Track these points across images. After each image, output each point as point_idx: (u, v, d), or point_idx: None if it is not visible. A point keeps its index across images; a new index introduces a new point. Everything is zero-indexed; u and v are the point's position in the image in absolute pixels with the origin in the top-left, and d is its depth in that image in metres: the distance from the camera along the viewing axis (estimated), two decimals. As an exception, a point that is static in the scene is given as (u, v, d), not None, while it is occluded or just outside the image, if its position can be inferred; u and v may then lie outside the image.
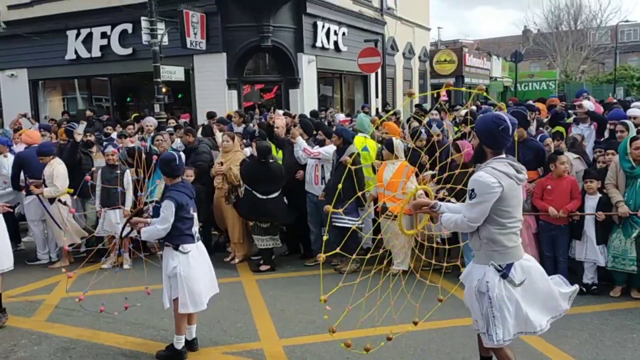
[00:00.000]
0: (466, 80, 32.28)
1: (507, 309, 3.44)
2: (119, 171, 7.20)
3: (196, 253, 4.63)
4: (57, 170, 7.23)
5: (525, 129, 6.48)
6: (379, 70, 18.62)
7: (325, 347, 4.83)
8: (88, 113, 12.95)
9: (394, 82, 24.07)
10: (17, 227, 8.19)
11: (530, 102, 13.74)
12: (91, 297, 6.17)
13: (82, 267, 6.92)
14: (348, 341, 3.94)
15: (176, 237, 4.53)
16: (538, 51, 48.31)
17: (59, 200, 7.27)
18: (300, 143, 7.33)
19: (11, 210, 5.96)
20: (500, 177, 3.36)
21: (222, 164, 7.43)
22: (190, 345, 4.81)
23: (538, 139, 7.23)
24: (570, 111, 10.79)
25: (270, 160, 7.08)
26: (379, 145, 7.70)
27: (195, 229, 4.72)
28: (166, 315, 5.08)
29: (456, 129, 8.85)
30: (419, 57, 27.62)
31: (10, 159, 8.00)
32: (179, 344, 4.68)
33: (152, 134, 9.23)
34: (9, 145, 8.42)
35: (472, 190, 3.40)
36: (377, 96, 19.71)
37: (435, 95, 26.56)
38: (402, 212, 4.07)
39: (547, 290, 3.62)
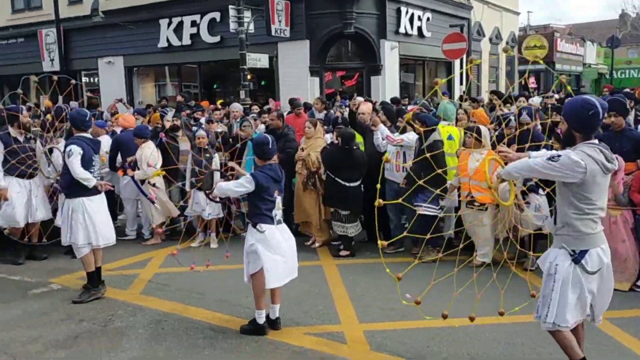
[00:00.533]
0: (557, 66, 30.77)
1: (570, 294, 3.42)
2: (208, 154, 7.50)
3: (275, 234, 4.79)
4: (145, 154, 7.64)
5: (624, 118, 6.11)
6: (464, 57, 18.10)
7: (405, 334, 4.84)
8: (179, 98, 13.53)
9: (480, 68, 23.35)
10: (115, 205, 8.71)
11: (627, 90, 12.90)
12: (181, 274, 6.55)
13: (174, 245, 7.32)
14: (445, 312, 3.98)
15: (256, 215, 4.77)
16: (637, 36, 45.19)
17: (149, 182, 7.68)
18: (383, 130, 7.29)
19: (112, 188, 6.36)
20: (587, 161, 3.31)
21: (303, 149, 7.55)
22: (273, 324, 4.97)
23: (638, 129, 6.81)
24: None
25: (354, 147, 7.12)
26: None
27: (277, 212, 4.86)
28: (251, 294, 5.26)
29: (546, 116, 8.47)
30: (507, 43, 26.58)
31: (107, 141, 8.49)
32: (260, 319, 4.87)
33: (238, 120, 9.51)
34: (105, 127, 8.91)
35: (558, 155, 3.36)
36: (461, 83, 19.20)
37: (523, 82, 25.61)
38: (496, 185, 3.99)
39: (608, 289, 3.61)
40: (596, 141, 3.44)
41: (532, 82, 28.03)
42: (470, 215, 6.41)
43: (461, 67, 18.27)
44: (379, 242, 3.67)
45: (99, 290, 5.88)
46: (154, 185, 7.69)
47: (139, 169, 7.68)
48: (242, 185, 4.71)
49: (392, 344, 4.65)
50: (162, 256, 7.31)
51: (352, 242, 7.35)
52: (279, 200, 4.89)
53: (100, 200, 5.89)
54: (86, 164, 5.71)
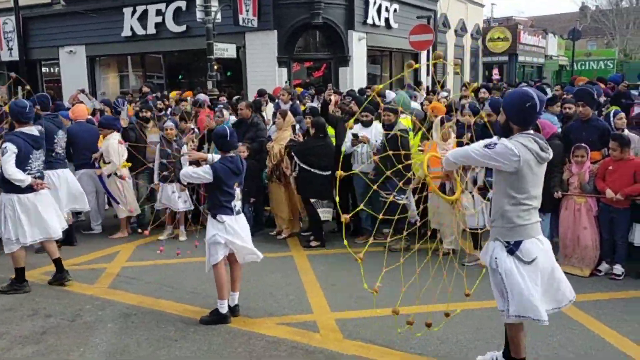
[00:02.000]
0: (520, 58, 31.36)
1: (522, 283, 3.46)
2: (176, 146, 7.40)
3: (234, 225, 4.87)
4: (112, 145, 7.47)
5: (591, 108, 6.28)
6: (430, 48, 18.27)
7: (377, 321, 4.89)
8: (144, 89, 13.26)
9: (445, 60, 23.61)
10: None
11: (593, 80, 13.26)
12: (151, 266, 6.47)
13: (141, 239, 7.24)
14: (410, 319, 3.97)
15: (215, 206, 4.84)
16: (596, 29, 46.30)
17: (115, 174, 7.54)
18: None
19: (48, 188, 6.08)
20: (520, 150, 3.36)
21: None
22: (233, 311, 5.02)
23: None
24: (633, 91, 10.37)
25: (326, 135, 7.25)
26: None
27: (236, 203, 4.94)
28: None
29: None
30: (471, 35, 26.95)
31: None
32: (223, 308, 4.92)
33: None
34: (69, 118, 8.70)
35: (495, 143, 3.41)
36: (427, 74, 19.39)
37: (487, 74, 26.04)
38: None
39: (555, 278, 3.63)
40: (531, 131, 3.50)
41: (495, 74, 28.51)
42: (439, 202, 6.51)
43: (428, 59, 18.44)
44: (342, 216, 3.61)
45: (23, 287, 5.81)
46: (121, 177, 7.57)
47: (104, 160, 7.54)
48: (201, 173, 4.78)
49: (364, 332, 4.71)
50: (129, 250, 7.20)
51: (322, 233, 7.38)
52: (237, 191, 4.94)
53: (35, 198, 5.70)
54: (22, 161, 5.55)
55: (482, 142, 3.50)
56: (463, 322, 4.84)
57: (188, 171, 4.86)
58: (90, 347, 4.52)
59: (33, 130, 5.73)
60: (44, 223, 5.77)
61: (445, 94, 10.80)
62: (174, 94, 13.49)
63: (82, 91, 13.25)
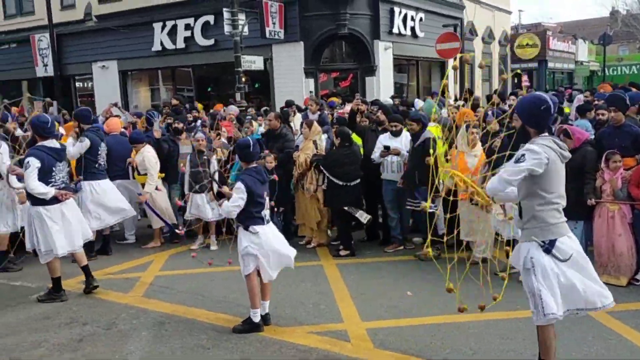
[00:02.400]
0: (550, 64, 30.94)
1: (554, 282, 3.50)
2: (205, 157, 7.52)
3: (267, 233, 4.91)
4: (147, 158, 7.64)
5: (623, 114, 6.17)
6: (458, 56, 18.20)
7: (408, 330, 4.88)
8: (174, 102, 13.51)
9: (473, 67, 23.46)
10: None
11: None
12: (183, 275, 6.57)
13: (174, 248, 7.36)
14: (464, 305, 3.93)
15: (247, 218, 4.86)
16: (627, 33, 45.42)
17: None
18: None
19: (74, 196, 6.24)
20: (546, 150, 3.47)
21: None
22: (264, 319, 5.06)
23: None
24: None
25: (352, 144, 7.30)
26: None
27: (266, 212, 4.98)
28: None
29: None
30: (499, 42, 26.73)
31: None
32: (256, 317, 4.96)
33: (234, 122, 9.55)
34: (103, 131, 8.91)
35: (523, 155, 3.48)
36: (455, 82, 19.30)
37: (516, 81, 25.73)
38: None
39: (589, 276, 3.63)
40: (547, 134, 3.59)
41: (525, 80, 28.19)
42: (470, 212, 6.47)
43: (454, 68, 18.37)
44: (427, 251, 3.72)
45: (60, 296, 5.94)
46: (157, 188, 7.73)
47: (138, 172, 7.72)
48: (240, 197, 4.76)
49: (395, 341, 4.69)
50: (162, 259, 7.32)
51: (351, 242, 7.38)
52: (267, 200, 5.00)
53: (60, 209, 5.83)
54: (46, 174, 5.69)
55: (510, 162, 3.56)
56: (495, 332, 4.79)
57: (229, 206, 4.81)
58: (125, 354, 4.61)
59: (54, 143, 5.88)
60: (71, 234, 5.92)
61: (462, 102, 10.71)
62: (200, 106, 13.71)
63: (115, 105, 13.58)
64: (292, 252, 5.12)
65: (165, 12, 18.06)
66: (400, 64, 19.27)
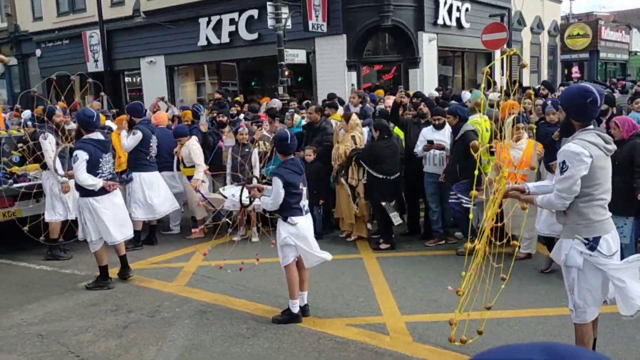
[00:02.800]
0: (602, 55, 29.84)
1: (593, 281, 3.45)
2: (247, 149, 7.61)
3: (306, 224, 4.97)
4: (192, 151, 7.77)
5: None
6: (504, 47, 17.76)
7: (447, 325, 4.79)
8: (217, 96, 13.73)
9: (520, 58, 22.84)
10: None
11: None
12: (225, 266, 6.66)
13: (215, 239, 7.45)
14: (481, 329, 3.96)
15: (285, 209, 4.89)
16: (687, 21, 43.24)
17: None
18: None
19: (120, 186, 6.44)
20: (589, 148, 3.36)
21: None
22: (303, 310, 5.10)
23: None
24: None
25: (391, 136, 7.25)
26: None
27: (304, 202, 5.01)
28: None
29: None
30: (549, 32, 25.92)
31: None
32: (295, 308, 5.00)
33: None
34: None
35: (563, 162, 3.40)
36: (502, 74, 18.85)
37: (566, 72, 24.96)
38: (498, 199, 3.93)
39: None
40: (592, 127, 3.49)
41: (575, 72, 27.30)
42: (516, 205, 6.31)
43: (502, 58, 17.93)
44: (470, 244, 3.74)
45: (108, 283, 6.12)
46: (202, 181, 7.88)
47: (184, 165, 7.88)
48: (275, 192, 4.81)
49: (435, 336, 4.64)
50: (205, 249, 7.42)
51: (392, 235, 7.33)
52: (304, 190, 5.02)
53: (109, 199, 6.03)
54: (94, 166, 5.87)
55: (557, 175, 3.47)
56: (540, 328, 4.68)
57: (269, 201, 4.89)
58: (168, 341, 4.73)
59: (99, 135, 6.08)
60: (121, 223, 6.15)
61: (496, 94, 10.39)
62: (241, 100, 13.86)
63: (162, 99, 13.89)
64: (321, 254, 5.13)
65: (211, 8, 18.29)
66: (445, 56, 18.95)
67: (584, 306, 3.50)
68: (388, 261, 6.73)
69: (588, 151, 3.35)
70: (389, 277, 6.13)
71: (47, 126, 7.24)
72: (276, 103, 10.74)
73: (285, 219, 4.91)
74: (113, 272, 6.37)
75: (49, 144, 7.02)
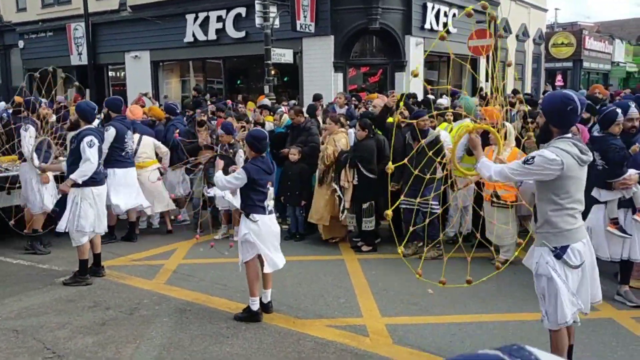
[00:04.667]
0: (585, 64, 30.25)
1: (564, 289, 3.46)
2: (232, 150, 7.54)
3: (267, 223, 4.96)
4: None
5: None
6: (491, 53, 17.89)
7: (427, 328, 4.83)
8: (193, 93, 13.68)
9: (505, 66, 23.04)
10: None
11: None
12: (205, 264, 6.63)
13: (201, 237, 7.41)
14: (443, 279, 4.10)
15: (249, 206, 4.93)
16: (668, 34, 43.98)
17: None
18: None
19: None
20: (563, 156, 3.35)
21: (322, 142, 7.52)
22: (266, 307, 5.13)
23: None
24: None
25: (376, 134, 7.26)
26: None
27: (269, 202, 5.03)
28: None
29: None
30: (534, 40, 26.19)
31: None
32: (254, 305, 5.01)
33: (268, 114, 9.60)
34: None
35: (532, 157, 3.42)
36: (487, 80, 19.02)
37: (550, 80, 25.22)
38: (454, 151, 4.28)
39: (594, 277, 3.68)
40: (570, 135, 3.50)
41: (559, 80, 27.64)
42: (493, 213, 6.37)
43: (487, 65, 18.07)
44: (387, 212, 3.81)
45: (86, 279, 6.05)
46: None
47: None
48: (235, 178, 4.87)
49: (415, 338, 4.65)
50: (186, 248, 7.41)
51: (374, 239, 7.32)
52: (271, 191, 5.04)
53: (104, 190, 6.18)
54: (98, 154, 5.97)
55: (520, 160, 3.53)
56: (517, 333, 4.71)
57: (222, 180, 4.93)
58: (146, 339, 4.67)
59: (97, 127, 6.16)
60: (103, 216, 6.14)
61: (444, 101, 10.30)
62: (252, 105, 13.70)
63: (145, 94, 13.77)
64: (279, 258, 5.14)
65: (198, 4, 18.17)
66: (432, 61, 19.05)
67: (554, 312, 3.51)
68: (370, 263, 6.73)
69: (560, 159, 3.34)
70: (370, 279, 6.14)
71: (30, 118, 7.13)
72: (266, 102, 10.73)
73: (247, 215, 4.94)
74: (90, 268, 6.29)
75: (29, 136, 6.92)
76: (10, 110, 8.39)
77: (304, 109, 9.00)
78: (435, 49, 17.94)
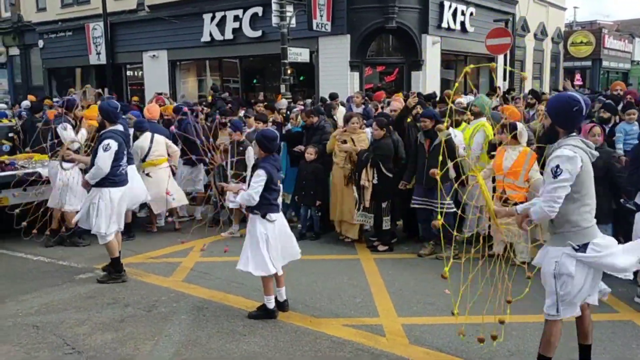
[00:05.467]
0: (604, 63, 29.86)
1: (578, 286, 3.55)
2: (241, 147, 7.61)
3: (282, 222, 5.03)
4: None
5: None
6: (507, 52, 17.76)
7: (444, 329, 4.81)
8: (211, 92, 13.77)
9: (523, 64, 22.85)
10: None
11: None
12: (222, 262, 6.66)
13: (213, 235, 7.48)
14: (461, 329, 4.07)
15: (264, 206, 4.92)
16: (690, 32, 43.25)
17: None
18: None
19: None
20: (579, 152, 3.46)
21: (345, 141, 7.40)
22: (282, 306, 5.16)
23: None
24: None
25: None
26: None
27: (280, 199, 5.07)
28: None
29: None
30: (552, 39, 25.92)
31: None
32: (270, 304, 5.04)
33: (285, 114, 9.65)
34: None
35: (557, 166, 3.43)
36: (504, 79, 18.87)
37: (567, 79, 24.89)
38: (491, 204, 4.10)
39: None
40: (575, 133, 3.59)
41: (577, 79, 27.31)
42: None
43: (505, 64, 17.96)
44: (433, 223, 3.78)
45: (121, 276, 6.09)
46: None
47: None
48: (259, 183, 4.83)
49: (431, 338, 4.64)
50: (202, 246, 7.45)
51: (391, 238, 7.30)
52: (280, 187, 5.10)
53: (124, 191, 6.12)
54: (117, 158, 5.91)
55: (548, 179, 3.51)
56: (533, 333, 4.67)
57: (248, 193, 4.85)
58: (164, 336, 4.72)
59: (120, 128, 6.09)
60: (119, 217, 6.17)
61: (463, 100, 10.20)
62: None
63: (160, 94, 13.87)
64: (297, 250, 5.26)
65: (215, 4, 18.27)
66: (449, 60, 18.95)
67: (567, 308, 3.62)
68: (386, 263, 6.72)
69: (579, 155, 3.44)
70: (386, 279, 6.13)
71: (65, 118, 7.28)
72: (284, 104, 10.77)
73: (264, 216, 4.94)
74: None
75: (68, 135, 7.08)
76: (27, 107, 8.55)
77: (318, 108, 8.97)
78: (451, 48, 17.88)
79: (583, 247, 3.54)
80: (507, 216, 4.06)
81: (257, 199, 4.84)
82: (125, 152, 6.08)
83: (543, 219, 3.60)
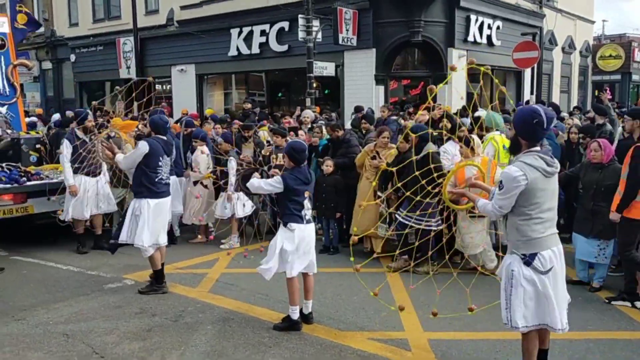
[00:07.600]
0: (634, 77, 29.35)
1: (527, 296, 3.64)
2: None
3: (302, 233, 5.02)
4: (199, 157, 8.20)
5: None
6: (535, 66, 17.60)
7: (471, 344, 4.76)
8: (247, 106, 13.89)
9: (551, 78, 22.61)
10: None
11: None
12: (247, 274, 6.71)
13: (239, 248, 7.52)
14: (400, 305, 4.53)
15: (286, 215, 5.02)
16: None
17: (201, 183, 8.24)
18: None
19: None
20: (527, 171, 3.55)
21: (374, 157, 7.39)
22: (306, 318, 5.17)
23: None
24: None
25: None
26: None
27: (307, 212, 5.09)
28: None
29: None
30: (580, 52, 25.61)
31: None
32: (294, 314, 5.06)
33: (309, 126, 9.68)
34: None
35: (501, 182, 3.65)
36: (531, 93, 18.69)
37: (596, 93, 24.55)
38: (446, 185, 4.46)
39: (563, 288, 3.78)
40: (537, 148, 3.66)
41: (607, 94, 26.88)
42: (469, 224, 6.46)
43: (532, 77, 17.79)
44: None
45: (162, 287, 6.15)
46: (205, 186, 8.26)
47: (192, 170, 8.24)
48: (272, 184, 4.99)
49: (458, 354, 4.60)
50: (228, 257, 7.52)
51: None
52: (307, 201, 5.10)
53: (164, 202, 6.11)
54: (149, 162, 5.91)
55: (495, 190, 3.75)
56: (565, 352, 4.59)
57: (260, 183, 5.06)
58: (190, 347, 4.76)
59: (163, 137, 6.16)
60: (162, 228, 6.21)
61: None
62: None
63: (186, 114, 14.04)
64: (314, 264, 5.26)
65: (243, 18, 18.52)
66: (473, 73, 18.79)
67: (514, 318, 3.68)
68: (410, 276, 6.66)
69: (525, 174, 3.53)
70: (412, 293, 6.08)
71: (68, 131, 7.60)
72: (308, 114, 10.81)
73: (285, 224, 5.03)
74: (139, 275, 6.44)
75: (65, 149, 7.41)
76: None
77: (344, 123, 9.02)
78: (477, 61, 17.75)
79: (530, 257, 3.63)
80: (460, 196, 4.45)
81: (260, 187, 5.05)
82: (164, 162, 6.02)
83: (485, 212, 3.91)
